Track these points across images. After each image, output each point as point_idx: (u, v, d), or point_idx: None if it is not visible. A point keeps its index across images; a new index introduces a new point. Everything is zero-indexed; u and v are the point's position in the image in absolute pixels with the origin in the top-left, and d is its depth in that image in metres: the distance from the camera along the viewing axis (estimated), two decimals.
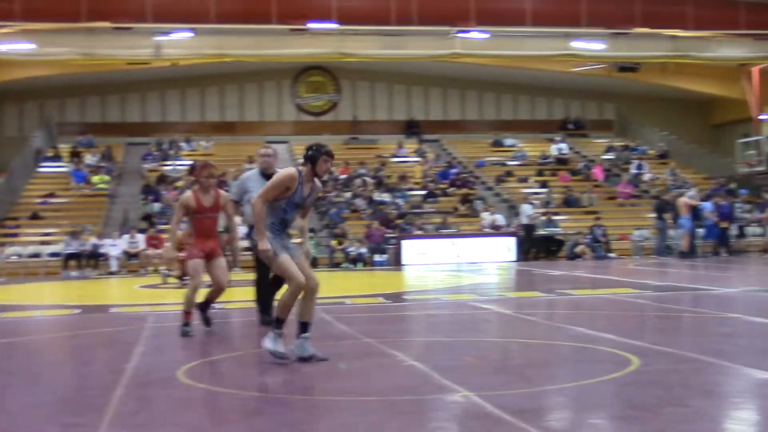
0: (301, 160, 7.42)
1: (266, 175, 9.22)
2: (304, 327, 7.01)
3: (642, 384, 5.88)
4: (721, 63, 31.07)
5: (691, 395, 5.47)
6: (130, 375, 6.61)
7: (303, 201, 7.17)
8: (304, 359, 6.90)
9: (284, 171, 7.18)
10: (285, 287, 7.16)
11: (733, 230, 25.86)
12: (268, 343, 6.93)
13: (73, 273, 23.18)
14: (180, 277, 18.33)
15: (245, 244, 9.95)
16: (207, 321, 9.31)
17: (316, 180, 7.28)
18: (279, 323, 6.96)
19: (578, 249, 25.13)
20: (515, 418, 4.85)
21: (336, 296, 13.12)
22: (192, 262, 8.96)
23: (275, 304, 8.13)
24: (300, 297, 7.12)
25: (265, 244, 6.87)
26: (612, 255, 25.04)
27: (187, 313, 8.94)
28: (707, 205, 25.39)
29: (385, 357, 7.29)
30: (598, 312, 11.06)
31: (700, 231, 25.11)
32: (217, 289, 9.12)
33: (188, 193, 9.06)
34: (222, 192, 9.16)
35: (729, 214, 24.94)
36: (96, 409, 5.43)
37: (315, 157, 7.11)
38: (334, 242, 24.77)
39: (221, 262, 9.06)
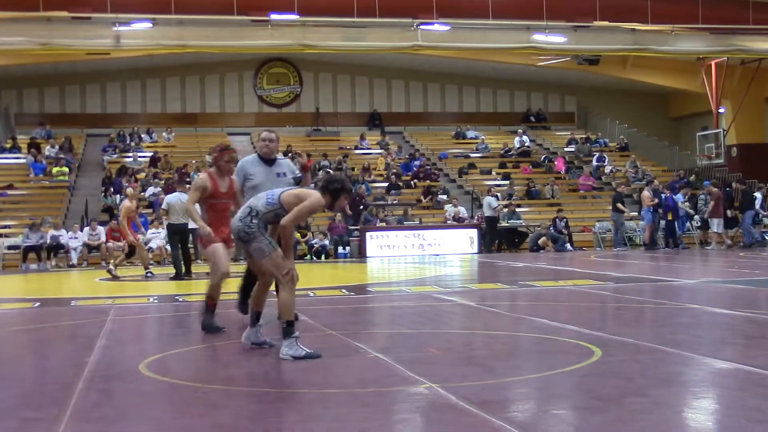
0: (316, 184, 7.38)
1: (266, 160, 8.77)
2: (258, 316, 7.24)
3: (604, 374, 5.94)
4: (680, 56, 31.41)
5: (651, 385, 5.53)
6: (92, 369, 6.54)
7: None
8: (258, 344, 7.18)
9: (316, 198, 6.87)
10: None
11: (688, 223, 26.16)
12: (288, 351, 6.71)
13: (33, 266, 22.91)
14: (128, 256, 18.24)
15: None
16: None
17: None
18: (290, 326, 6.81)
19: (541, 241, 25.30)
20: (479, 410, 4.87)
21: (299, 288, 13.06)
22: (213, 248, 8.37)
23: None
24: (257, 286, 7.26)
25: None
26: (568, 247, 25.15)
27: (211, 299, 8.45)
28: (678, 197, 25.65)
29: (348, 349, 7.28)
30: (561, 303, 11.15)
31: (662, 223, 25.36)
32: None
33: (204, 175, 8.60)
34: (234, 178, 8.65)
35: (675, 206, 25.06)
36: (56, 403, 5.36)
37: (338, 192, 6.93)
38: (297, 234, 24.68)
39: (228, 251, 8.65)
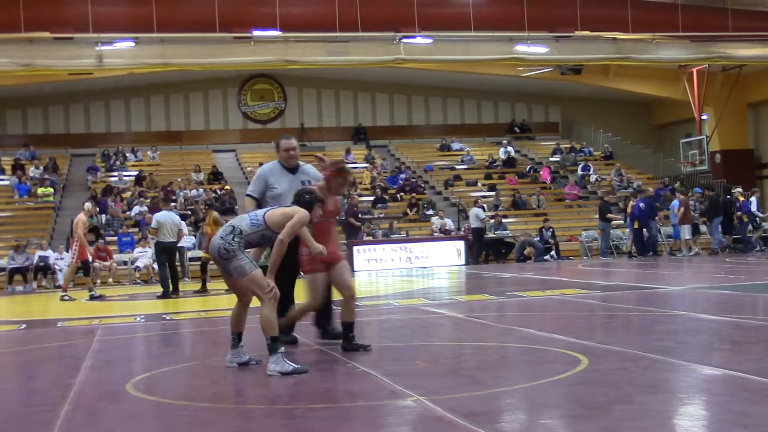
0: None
1: (288, 168, 8.38)
2: (239, 337, 7.21)
3: (591, 383, 5.95)
4: (662, 65, 31.59)
5: (639, 392, 5.54)
6: (78, 390, 6.51)
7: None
8: (242, 364, 7.16)
9: (305, 212, 6.99)
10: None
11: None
12: (275, 367, 6.68)
13: (19, 288, 22.79)
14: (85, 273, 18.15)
15: None
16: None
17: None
18: (274, 342, 6.78)
19: (526, 251, 25.35)
20: (467, 421, 4.86)
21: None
22: (313, 277, 7.80)
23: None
24: (236, 307, 7.23)
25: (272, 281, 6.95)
26: (547, 258, 25.13)
27: (292, 320, 8.04)
28: (674, 203, 25.76)
29: (336, 363, 7.28)
30: (548, 313, 11.17)
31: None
32: (347, 296, 7.81)
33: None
34: (337, 198, 8.01)
35: (642, 214, 25.05)
36: (42, 425, 5.33)
37: (310, 203, 7.12)
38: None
39: (343, 264, 7.92)
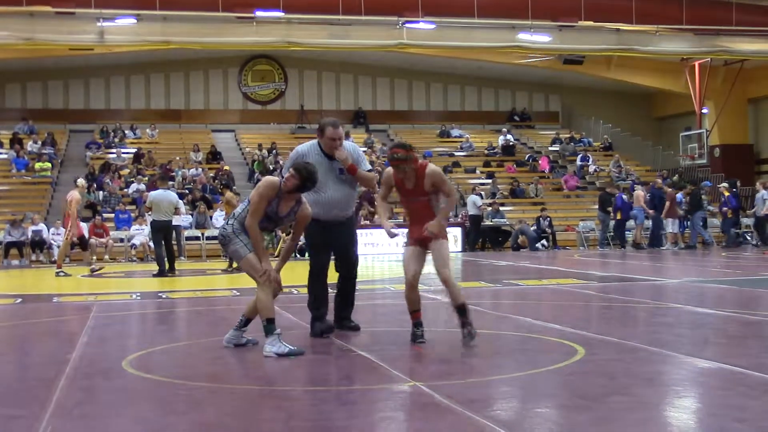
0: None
1: (328, 156, 7.77)
2: (247, 322, 7.19)
3: (588, 373, 5.96)
4: (664, 57, 31.52)
5: (635, 384, 5.55)
6: (74, 366, 6.50)
7: (276, 217, 6.98)
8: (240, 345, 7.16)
9: (262, 186, 6.77)
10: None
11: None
12: (272, 348, 6.68)
13: (14, 262, 22.78)
14: (82, 248, 18.14)
15: None
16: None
17: (303, 206, 7.04)
18: (270, 324, 6.77)
19: (520, 240, 25.43)
20: (463, 408, 4.87)
21: (284, 286, 13.05)
22: (404, 252, 7.47)
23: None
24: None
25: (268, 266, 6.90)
26: (538, 246, 25.13)
27: (415, 312, 7.36)
28: (678, 197, 25.75)
29: (332, 347, 7.28)
30: (544, 302, 11.18)
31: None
32: (441, 279, 7.24)
33: (389, 169, 7.48)
34: (427, 175, 7.20)
35: (624, 205, 25.12)
36: (38, 400, 5.33)
37: (304, 184, 6.80)
38: (281, 234, 24.63)
39: (439, 245, 7.25)
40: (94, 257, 21.60)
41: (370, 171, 8.14)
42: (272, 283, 6.91)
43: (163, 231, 16.88)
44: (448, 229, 7.43)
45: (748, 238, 26.54)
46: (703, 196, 26.15)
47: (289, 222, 7.17)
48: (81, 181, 18.49)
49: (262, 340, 6.94)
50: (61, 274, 17.14)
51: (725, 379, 5.76)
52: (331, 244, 7.97)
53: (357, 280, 8.30)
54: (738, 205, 26.46)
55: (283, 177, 6.93)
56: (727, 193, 25.77)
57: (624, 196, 25.27)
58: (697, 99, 33.05)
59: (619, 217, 24.84)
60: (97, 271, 17.28)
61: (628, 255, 22.10)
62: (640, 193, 25.44)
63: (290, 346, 6.72)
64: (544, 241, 25.49)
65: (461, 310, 7.17)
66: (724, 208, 25.42)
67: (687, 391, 5.54)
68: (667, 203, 24.69)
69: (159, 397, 5.57)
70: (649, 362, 6.32)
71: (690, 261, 19.57)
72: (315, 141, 7.87)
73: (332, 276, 8.17)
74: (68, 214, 17.59)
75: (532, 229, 25.72)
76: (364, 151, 31.50)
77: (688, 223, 25.45)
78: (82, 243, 18.42)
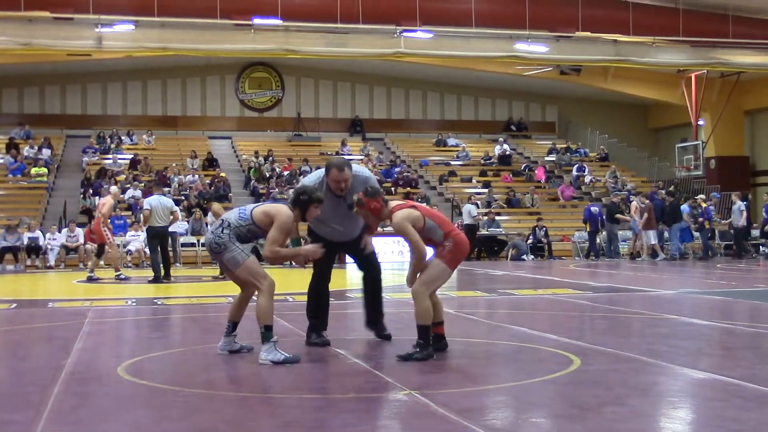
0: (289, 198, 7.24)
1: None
2: (234, 327, 7.26)
3: (583, 383, 5.97)
4: (661, 68, 31.59)
5: (630, 394, 5.56)
6: (69, 371, 6.50)
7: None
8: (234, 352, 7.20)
9: (284, 217, 6.81)
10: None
11: None
12: (267, 356, 6.71)
13: (9, 267, 22.74)
14: (98, 255, 18.12)
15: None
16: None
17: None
18: (267, 331, 6.79)
19: (512, 251, 25.53)
20: (459, 417, 4.87)
21: (278, 293, 13.04)
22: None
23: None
24: (237, 298, 7.30)
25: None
26: (524, 258, 25.16)
27: (437, 325, 7.23)
28: (684, 208, 25.76)
29: (328, 354, 7.28)
30: (540, 312, 11.18)
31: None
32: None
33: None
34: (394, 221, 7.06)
35: (594, 217, 25.16)
36: (33, 405, 5.32)
37: (306, 204, 6.93)
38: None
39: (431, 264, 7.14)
40: (89, 263, 21.51)
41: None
42: (314, 254, 7.10)
43: (159, 237, 16.85)
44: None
45: (762, 249, 26.54)
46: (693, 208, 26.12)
47: None
48: (114, 189, 18.47)
49: (258, 347, 6.95)
50: (122, 277, 17.25)
51: (721, 390, 5.77)
52: (345, 251, 8.41)
53: (379, 283, 8.26)
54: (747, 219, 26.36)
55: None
56: (704, 205, 25.80)
57: (593, 208, 25.38)
58: (693, 110, 33.14)
59: (588, 228, 25.09)
60: (94, 279, 17.25)
61: (623, 266, 22.12)
62: (634, 204, 25.46)
63: (286, 354, 6.73)
64: (531, 256, 25.51)
65: (419, 329, 6.93)
66: (700, 219, 25.41)
67: (682, 402, 5.55)
68: (645, 215, 24.74)
69: (154, 403, 5.57)
70: (644, 373, 6.32)
71: (686, 272, 19.58)
72: (323, 176, 7.65)
73: (330, 285, 8.15)
74: (98, 220, 17.71)
75: (528, 241, 25.83)
76: (360, 160, 31.77)
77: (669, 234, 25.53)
78: (100, 249, 18.34)
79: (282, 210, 6.89)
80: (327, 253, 7.59)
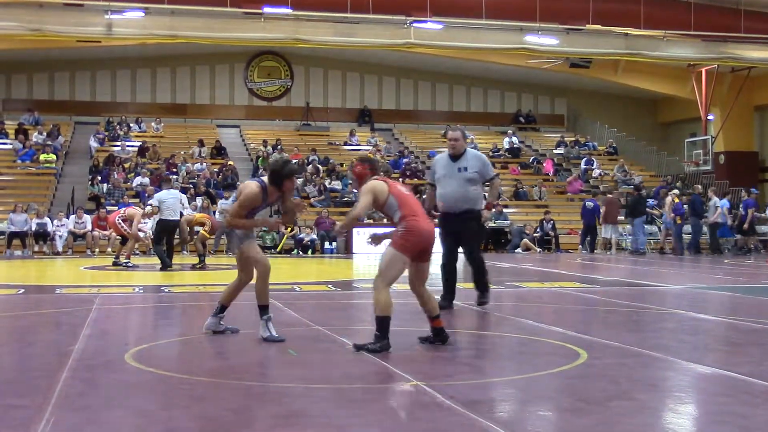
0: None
1: (454, 156, 9.53)
2: (223, 309, 7.62)
3: (590, 377, 5.96)
4: (671, 62, 31.52)
5: (637, 389, 5.55)
6: (76, 357, 6.51)
7: (271, 204, 7.71)
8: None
9: (247, 192, 7.27)
10: None
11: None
12: (265, 332, 7.23)
13: (17, 252, 22.80)
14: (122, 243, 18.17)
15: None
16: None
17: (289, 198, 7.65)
18: (265, 310, 7.30)
19: (522, 243, 25.50)
20: (466, 409, 4.87)
21: (286, 282, 13.08)
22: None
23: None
24: (235, 283, 7.58)
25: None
26: (519, 250, 25.18)
27: (434, 319, 7.26)
28: (724, 203, 25.66)
29: (334, 344, 7.28)
30: (546, 305, 11.17)
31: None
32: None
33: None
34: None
35: (589, 212, 25.25)
36: (40, 391, 5.34)
37: (279, 177, 7.28)
38: (284, 229, 24.66)
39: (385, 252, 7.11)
40: (96, 250, 21.57)
41: (495, 177, 9.91)
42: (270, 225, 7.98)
43: (169, 230, 16.90)
44: None
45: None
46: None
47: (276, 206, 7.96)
48: (149, 209, 18.43)
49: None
50: (130, 264, 17.27)
51: (728, 386, 5.75)
52: (454, 233, 9.58)
53: (481, 263, 9.79)
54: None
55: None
56: (676, 200, 25.69)
57: (588, 204, 25.36)
58: (703, 105, 33.03)
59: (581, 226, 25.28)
60: (119, 264, 17.30)
61: (630, 260, 22.08)
62: (668, 199, 25.30)
63: (273, 333, 7.21)
64: (519, 249, 25.50)
65: (376, 320, 6.85)
66: (672, 214, 25.29)
67: (689, 397, 5.54)
68: (604, 208, 24.78)
69: (162, 391, 5.58)
70: (651, 367, 6.31)
71: (695, 267, 19.54)
72: (445, 151, 9.73)
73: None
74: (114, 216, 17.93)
75: (536, 234, 25.86)
76: (368, 151, 31.70)
77: (665, 228, 25.46)
78: (124, 238, 18.34)
79: (247, 186, 7.35)
80: (446, 234, 9.60)
